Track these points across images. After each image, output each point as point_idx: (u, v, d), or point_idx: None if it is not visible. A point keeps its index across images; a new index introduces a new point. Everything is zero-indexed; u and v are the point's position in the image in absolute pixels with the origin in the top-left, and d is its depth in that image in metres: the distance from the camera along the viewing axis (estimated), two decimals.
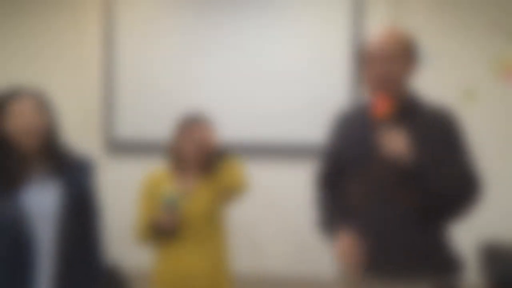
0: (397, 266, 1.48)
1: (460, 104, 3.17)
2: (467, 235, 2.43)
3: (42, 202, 1.57)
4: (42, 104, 1.61)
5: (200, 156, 1.93)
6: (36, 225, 1.55)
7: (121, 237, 2.63)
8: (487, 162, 2.93)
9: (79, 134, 3.30)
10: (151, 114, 3.54)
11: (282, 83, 3.39)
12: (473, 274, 3.02)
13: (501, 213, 3.11)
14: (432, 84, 3.02)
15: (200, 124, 1.98)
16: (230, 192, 1.93)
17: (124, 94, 3.56)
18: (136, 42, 3.56)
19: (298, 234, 3.14)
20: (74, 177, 1.65)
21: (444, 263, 1.51)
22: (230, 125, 3.28)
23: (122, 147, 3.58)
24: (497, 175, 3.08)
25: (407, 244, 1.48)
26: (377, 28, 1.58)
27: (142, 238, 1.92)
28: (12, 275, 1.53)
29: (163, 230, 1.84)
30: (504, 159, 3.20)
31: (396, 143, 1.41)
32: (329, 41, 3.32)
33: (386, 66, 1.46)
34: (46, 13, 3.69)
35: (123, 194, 2.92)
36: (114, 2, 3.57)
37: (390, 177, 1.44)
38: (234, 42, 3.44)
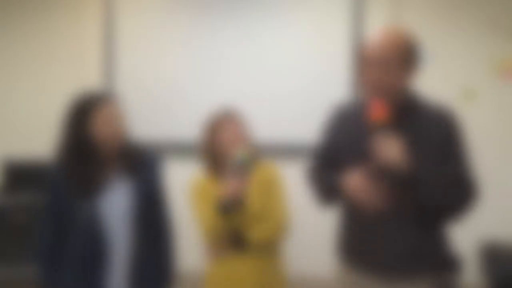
0: (396, 266, 1.48)
1: (460, 103, 3.16)
2: (467, 235, 2.43)
3: (117, 201, 1.61)
4: (121, 110, 1.64)
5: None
6: (112, 224, 1.59)
7: None
8: (487, 161, 2.93)
9: None
10: (151, 113, 3.54)
11: (282, 83, 3.38)
12: (473, 274, 3.01)
13: (501, 213, 3.11)
14: (432, 83, 3.02)
15: (235, 119, 1.87)
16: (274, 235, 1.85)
17: (124, 93, 3.56)
18: (136, 40, 3.56)
19: (297, 234, 3.14)
20: (145, 174, 1.69)
21: (442, 262, 1.51)
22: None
23: None
24: (497, 175, 3.08)
25: (405, 244, 1.47)
26: (376, 29, 1.53)
27: (214, 239, 1.82)
28: (87, 273, 1.58)
29: (230, 201, 1.69)
30: (504, 159, 3.19)
31: (391, 150, 1.38)
32: (330, 41, 3.32)
33: (383, 71, 1.42)
34: (46, 12, 3.69)
35: None
36: (114, 0, 3.57)
37: (385, 181, 1.43)
38: (234, 42, 3.44)
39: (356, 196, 1.44)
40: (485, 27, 3.18)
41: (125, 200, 1.62)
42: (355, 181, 1.45)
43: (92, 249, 1.58)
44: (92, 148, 1.56)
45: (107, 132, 1.56)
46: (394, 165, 1.38)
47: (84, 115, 1.55)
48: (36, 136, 3.57)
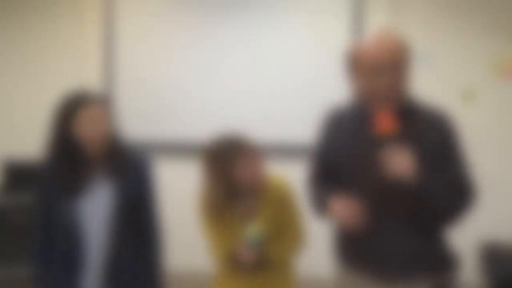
0: (395, 266, 1.48)
1: (460, 104, 3.17)
2: (467, 235, 2.43)
3: (101, 202, 1.60)
4: (107, 110, 1.61)
5: (258, 183, 1.72)
6: (94, 224, 1.59)
7: None
8: (487, 162, 2.93)
9: None
10: (151, 113, 3.54)
11: (282, 83, 3.38)
12: (473, 274, 3.02)
13: (501, 214, 3.11)
14: (432, 84, 3.02)
15: (248, 149, 1.69)
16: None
17: (124, 93, 3.56)
18: (137, 41, 3.56)
19: None
20: (133, 175, 1.66)
21: (441, 262, 1.51)
22: (230, 125, 3.27)
23: None
24: (497, 175, 3.08)
25: (404, 245, 1.47)
26: (369, 36, 1.46)
27: (222, 267, 1.78)
28: (66, 273, 1.58)
29: (242, 267, 1.69)
30: (504, 159, 3.19)
31: (401, 163, 1.36)
32: (329, 41, 3.32)
33: (385, 81, 1.38)
34: (46, 12, 3.69)
35: None
36: (115, 1, 3.57)
37: (386, 188, 1.42)
38: (233, 42, 3.44)
39: (339, 219, 1.45)
40: (485, 28, 3.18)
41: (110, 201, 1.60)
42: (340, 205, 1.45)
43: (72, 249, 1.58)
44: (76, 148, 1.56)
45: (89, 132, 1.54)
46: (404, 178, 1.36)
47: (67, 115, 1.55)
48: (36, 136, 3.56)
